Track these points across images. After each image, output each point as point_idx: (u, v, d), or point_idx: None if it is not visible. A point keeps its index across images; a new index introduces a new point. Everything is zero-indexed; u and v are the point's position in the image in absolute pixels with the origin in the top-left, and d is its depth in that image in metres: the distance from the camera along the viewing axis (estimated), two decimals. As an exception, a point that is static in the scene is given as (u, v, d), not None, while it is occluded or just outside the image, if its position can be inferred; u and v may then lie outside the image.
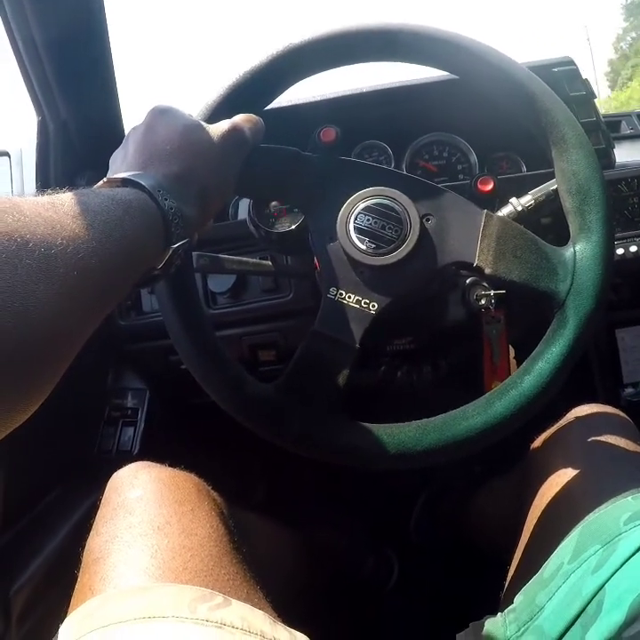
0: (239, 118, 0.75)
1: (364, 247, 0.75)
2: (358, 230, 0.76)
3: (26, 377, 0.43)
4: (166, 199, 0.61)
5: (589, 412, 0.97)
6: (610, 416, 0.97)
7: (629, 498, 0.72)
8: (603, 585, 0.64)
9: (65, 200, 0.51)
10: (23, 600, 0.95)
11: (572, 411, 0.98)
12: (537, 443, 0.99)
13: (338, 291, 0.76)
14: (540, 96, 0.78)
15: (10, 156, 1.25)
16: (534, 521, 0.86)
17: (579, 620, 0.64)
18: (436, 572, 1.47)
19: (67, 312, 0.46)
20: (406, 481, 1.51)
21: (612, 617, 0.61)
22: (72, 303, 0.46)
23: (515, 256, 0.75)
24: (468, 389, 0.83)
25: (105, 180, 0.62)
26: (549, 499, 0.85)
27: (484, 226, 0.76)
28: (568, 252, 0.75)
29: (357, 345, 0.75)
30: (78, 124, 1.18)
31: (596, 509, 0.73)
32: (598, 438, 0.90)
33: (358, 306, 0.75)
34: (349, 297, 0.76)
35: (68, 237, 0.47)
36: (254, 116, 0.77)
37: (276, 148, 0.80)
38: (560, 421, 0.98)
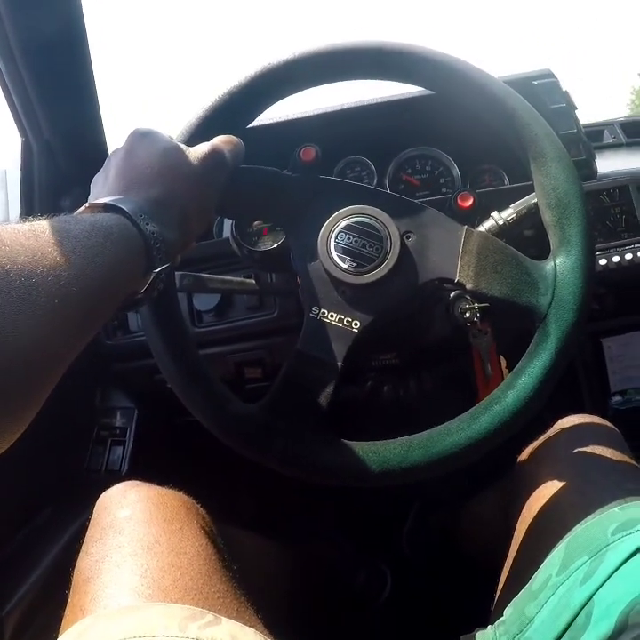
0: (218, 140, 0.75)
1: (345, 266, 0.76)
2: (339, 249, 0.76)
3: (6, 405, 0.43)
4: (148, 224, 0.62)
5: (576, 422, 0.98)
6: (596, 426, 0.97)
7: (616, 508, 0.72)
8: (591, 596, 0.64)
9: (46, 227, 0.51)
10: (16, 620, 0.95)
11: (559, 422, 0.98)
12: (524, 454, 1.00)
13: (320, 310, 0.76)
14: (519, 111, 0.79)
15: (6, 173, 1.25)
16: (522, 533, 0.87)
17: (568, 632, 0.64)
18: (428, 585, 1.46)
19: (48, 340, 0.46)
20: (398, 494, 1.50)
21: (600, 628, 0.61)
22: (53, 331, 0.47)
23: (495, 271, 0.76)
24: (454, 403, 0.83)
25: (86, 205, 0.62)
26: (537, 510, 0.85)
27: (464, 242, 0.77)
28: (548, 265, 0.76)
29: (341, 363, 0.75)
30: (62, 144, 1.19)
31: (584, 520, 0.73)
32: (585, 449, 0.90)
33: (341, 325, 0.76)
34: (332, 316, 0.76)
35: (49, 266, 0.47)
36: (234, 137, 0.77)
37: (256, 169, 0.80)
38: (547, 432, 0.98)
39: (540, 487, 0.87)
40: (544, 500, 0.85)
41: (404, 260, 0.76)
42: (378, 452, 0.74)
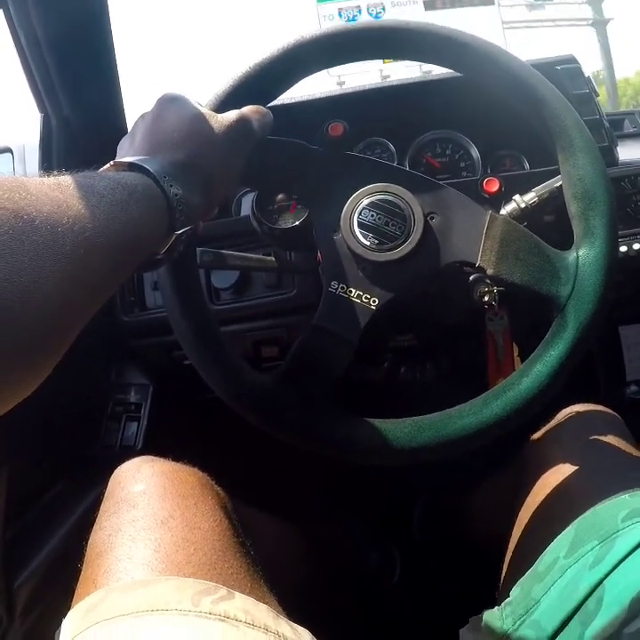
0: (247, 109, 0.75)
1: (367, 242, 0.75)
2: (362, 225, 0.76)
3: (29, 351, 0.43)
4: (171, 185, 0.62)
5: (581, 410, 0.98)
6: (601, 414, 0.98)
7: (627, 496, 0.72)
8: (601, 581, 0.64)
9: (71, 181, 0.51)
10: (27, 593, 0.96)
11: (564, 410, 0.99)
12: (532, 440, 1.00)
13: (339, 285, 0.76)
14: (549, 99, 0.78)
15: (12, 153, 1.25)
16: (530, 515, 0.87)
17: (577, 615, 0.64)
18: (438, 568, 1.47)
19: (71, 289, 0.46)
20: (409, 477, 1.50)
21: (612, 613, 0.61)
22: (77, 281, 0.47)
23: (517, 258, 0.75)
24: (470, 386, 0.83)
25: (111, 163, 0.62)
26: (544, 495, 0.85)
27: (488, 227, 0.77)
28: (571, 256, 0.75)
29: (357, 339, 0.75)
30: (81, 121, 1.19)
31: (593, 505, 0.73)
32: (591, 437, 0.90)
33: (359, 301, 0.76)
34: (351, 291, 0.76)
35: (74, 217, 0.47)
36: (262, 107, 0.77)
37: (283, 141, 0.80)
38: (553, 420, 0.98)
39: (548, 472, 0.87)
40: (551, 485, 0.85)
41: (427, 241, 0.76)
42: (388, 430, 0.74)
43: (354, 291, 0.76)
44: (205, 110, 0.71)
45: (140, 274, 1.16)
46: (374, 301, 0.76)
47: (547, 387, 0.73)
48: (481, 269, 0.76)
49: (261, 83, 0.79)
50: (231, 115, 0.73)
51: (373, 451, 0.74)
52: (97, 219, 0.50)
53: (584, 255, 0.74)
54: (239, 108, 0.75)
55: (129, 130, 0.72)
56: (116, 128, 1.23)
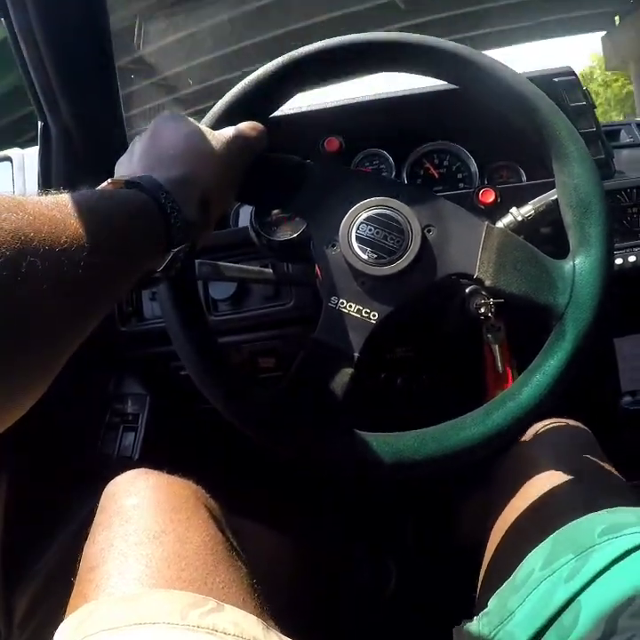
0: (243, 126, 0.76)
1: (365, 257, 0.76)
2: (360, 240, 0.76)
3: (26, 369, 0.43)
4: (169, 202, 0.62)
5: (553, 424, 0.99)
6: (572, 429, 0.99)
7: (604, 511, 0.73)
8: (576, 594, 0.64)
9: (68, 200, 0.51)
10: (26, 605, 0.96)
11: (536, 424, 0.99)
12: (505, 455, 1.00)
13: (339, 300, 0.76)
14: (543, 109, 0.79)
15: (12, 161, 1.26)
16: (506, 527, 0.87)
17: (553, 629, 0.65)
18: (433, 579, 1.47)
19: (70, 308, 0.47)
20: (403, 489, 1.51)
21: (587, 630, 0.61)
22: (75, 299, 0.48)
23: (515, 269, 0.76)
24: (467, 397, 0.83)
25: (109, 181, 0.63)
26: (520, 508, 0.86)
27: (484, 238, 0.77)
28: (567, 265, 0.76)
29: (357, 354, 0.75)
30: (80, 130, 1.19)
31: (570, 519, 0.74)
32: (564, 452, 0.92)
33: (359, 315, 0.76)
34: (350, 306, 0.76)
35: (72, 237, 0.48)
36: (258, 123, 0.78)
37: (279, 157, 0.81)
38: (525, 435, 0.99)
39: (522, 486, 0.89)
40: (527, 499, 0.86)
41: (425, 254, 0.77)
42: (391, 444, 0.74)
43: (353, 305, 0.76)
44: (202, 127, 0.72)
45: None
46: (374, 315, 0.76)
47: (547, 396, 0.73)
48: (479, 281, 0.77)
49: (256, 99, 0.80)
50: (227, 131, 0.74)
51: (377, 466, 0.74)
52: (94, 238, 0.50)
53: (580, 263, 0.75)
54: (235, 124, 0.75)
55: (128, 140, 0.73)
56: (116, 137, 1.23)
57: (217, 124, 0.77)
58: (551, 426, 0.99)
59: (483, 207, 0.89)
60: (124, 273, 0.57)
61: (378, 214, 0.77)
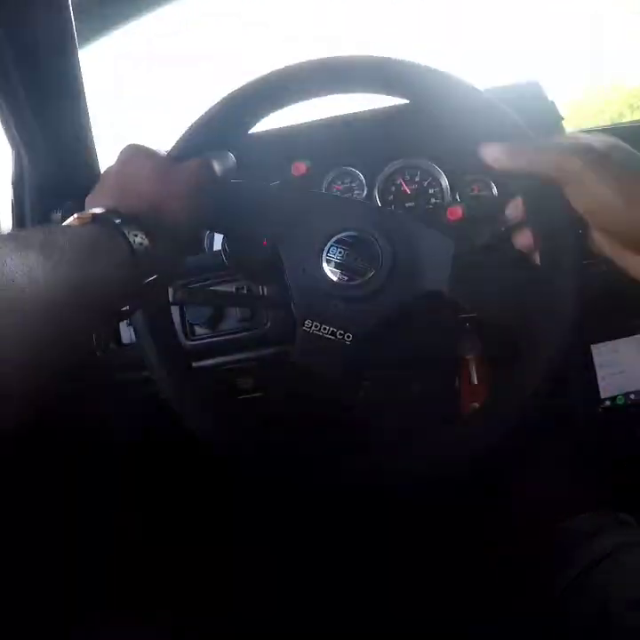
0: (209, 155, 0.76)
1: (336, 279, 0.76)
2: (331, 263, 0.77)
3: None
4: (136, 235, 0.62)
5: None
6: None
7: None
8: None
9: (32, 238, 0.52)
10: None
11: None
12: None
13: (313, 322, 0.77)
14: (505, 126, 0.79)
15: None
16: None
17: None
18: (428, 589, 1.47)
19: (37, 349, 0.47)
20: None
21: None
22: (42, 340, 0.47)
23: (484, 287, 0.77)
24: (441, 412, 0.84)
25: (75, 216, 0.63)
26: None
27: (454, 256, 0.78)
28: (539, 284, 0.76)
29: (339, 375, 0.76)
30: (53, 156, 1.19)
31: None
32: None
33: (333, 337, 0.77)
34: (325, 328, 0.77)
35: (37, 276, 0.48)
36: (224, 151, 0.78)
37: (246, 184, 0.81)
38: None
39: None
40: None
41: (396, 274, 0.77)
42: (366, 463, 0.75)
43: (328, 327, 0.77)
44: (167, 159, 0.73)
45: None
46: (348, 337, 0.77)
47: (514, 413, 0.74)
48: (450, 300, 0.78)
49: (221, 127, 0.80)
50: (193, 162, 0.73)
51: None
52: (60, 275, 0.50)
53: (552, 283, 0.75)
54: (201, 153, 0.76)
55: (100, 164, 0.73)
56: (88, 163, 1.23)
57: (183, 154, 0.77)
58: None
59: (452, 224, 0.90)
60: (94, 309, 0.57)
61: (348, 237, 0.78)
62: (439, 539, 1.36)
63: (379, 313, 0.78)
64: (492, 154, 0.71)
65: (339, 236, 0.78)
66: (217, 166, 0.75)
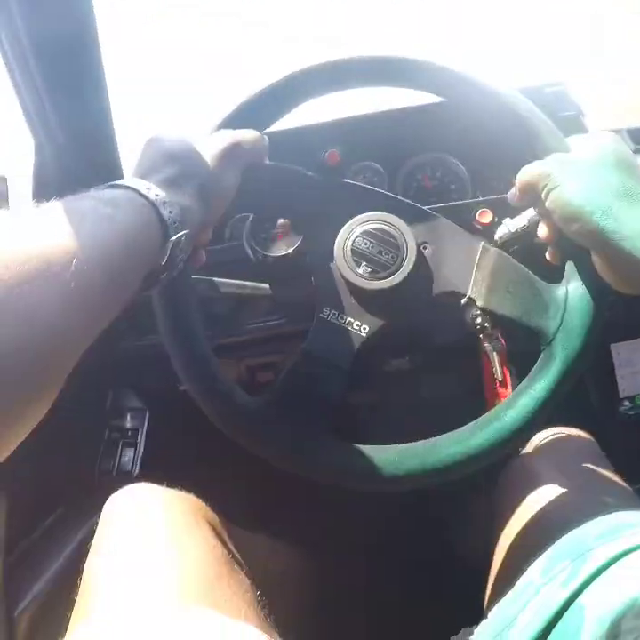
0: (239, 132, 0.76)
1: (360, 271, 0.76)
2: (356, 253, 0.77)
3: (27, 383, 0.43)
4: (158, 194, 0.62)
5: (558, 434, 0.99)
6: (577, 438, 0.99)
7: (601, 517, 0.74)
8: (573, 596, 0.65)
9: (53, 205, 0.52)
10: (28, 620, 0.95)
11: (540, 433, 0.99)
12: (509, 465, 1.00)
13: (331, 311, 0.77)
14: (534, 124, 0.79)
15: (6, 180, 1.26)
16: (509, 541, 0.88)
17: (555, 632, 0.65)
18: (429, 588, 1.47)
19: (68, 312, 0.47)
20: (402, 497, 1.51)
21: (593, 633, 0.61)
22: (72, 302, 0.47)
23: (508, 291, 0.77)
24: (463, 409, 0.83)
25: (93, 189, 0.62)
26: (523, 519, 0.87)
27: (479, 258, 0.78)
28: (560, 290, 0.76)
29: (348, 365, 0.76)
30: (74, 148, 1.19)
31: (569, 529, 0.74)
32: (568, 460, 0.92)
33: (350, 328, 0.77)
34: (342, 318, 0.77)
35: (60, 238, 0.48)
36: (256, 132, 0.78)
37: (280, 167, 0.81)
38: (530, 444, 0.99)
39: (526, 498, 0.89)
40: (529, 510, 0.87)
41: (419, 271, 0.77)
42: (373, 457, 0.74)
43: (345, 317, 0.77)
44: (196, 134, 0.73)
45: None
46: (365, 329, 0.77)
47: (532, 419, 0.74)
48: (471, 301, 0.78)
49: (256, 112, 0.81)
50: (222, 134, 0.74)
51: (357, 476, 0.74)
52: (83, 235, 0.50)
53: (573, 290, 0.75)
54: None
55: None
56: (108, 155, 1.23)
57: (228, 124, 0.78)
58: (555, 436, 0.99)
59: (480, 227, 0.90)
60: (122, 268, 0.56)
61: (375, 229, 0.78)
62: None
63: (398, 308, 0.78)
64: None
65: (366, 227, 0.78)
66: (245, 143, 0.76)
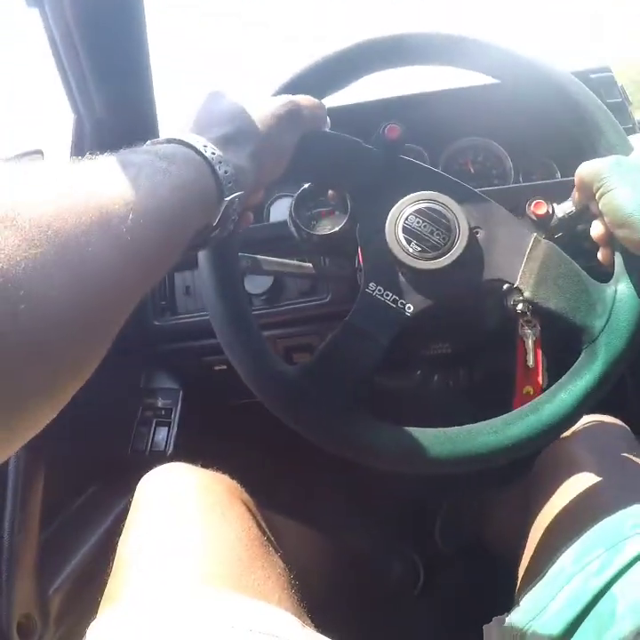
0: (299, 97, 0.75)
1: (410, 249, 0.75)
2: (407, 231, 0.76)
3: (85, 329, 0.42)
4: (214, 153, 0.61)
5: (594, 422, 0.98)
6: (613, 427, 0.98)
7: (637, 505, 0.73)
8: (607, 585, 0.65)
9: (108, 159, 0.50)
10: (61, 599, 0.95)
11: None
12: (545, 453, 1.00)
13: (377, 287, 0.76)
14: (593, 111, 0.78)
15: (43, 155, 1.25)
16: (542, 528, 0.88)
17: (588, 620, 0.65)
18: (460, 577, 1.47)
19: (123, 264, 0.46)
20: (431, 486, 1.50)
21: (626, 621, 0.61)
22: (128, 254, 0.46)
23: (556, 284, 0.76)
24: (500, 395, 0.83)
25: (149, 142, 0.61)
26: (557, 507, 0.86)
27: (530, 248, 0.77)
28: (609, 289, 0.75)
29: (388, 342, 0.75)
30: (113, 123, 1.18)
31: (602, 517, 0.74)
32: (604, 450, 0.91)
33: (394, 305, 0.76)
34: (387, 295, 0.76)
35: (116, 189, 0.47)
36: (316, 99, 0.78)
37: (339, 136, 0.81)
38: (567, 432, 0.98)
39: (561, 486, 0.88)
40: (564, 497, 0.86)
41: (469, 254, 0.76)
42: (409, 438, 0.74)
43: (390, 294, 0.76)
44: (255, 94, 0.72)
45: (172, 276, 1.16)
46: (409, 308, 0.76)
47: (569, 416, 0.73)
48: (518, 290, 0.77)
49: (317, 80, 0.81)
50: (282, 98, 0.73)
51: (391, 456, 0.74)
52: (139, 188, 0.49)
53: (622, 291, 0.74)
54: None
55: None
56: (148, 130, 1.22)
57: (291, 87, 0.78)
58: (591, 424, 0.98)
59: (534, 218, 0.89)
60: (177, 221, 0.55)
61: (428, 208, 0.77)
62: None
63: (444, 291, 0.77)
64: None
65: (420, 205, 0.77)
66: (304, 108, 0.75)
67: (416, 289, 0.76)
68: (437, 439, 0.73)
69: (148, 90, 1.19)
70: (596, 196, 0.70)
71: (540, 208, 0.90)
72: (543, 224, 0.87)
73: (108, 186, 0.47)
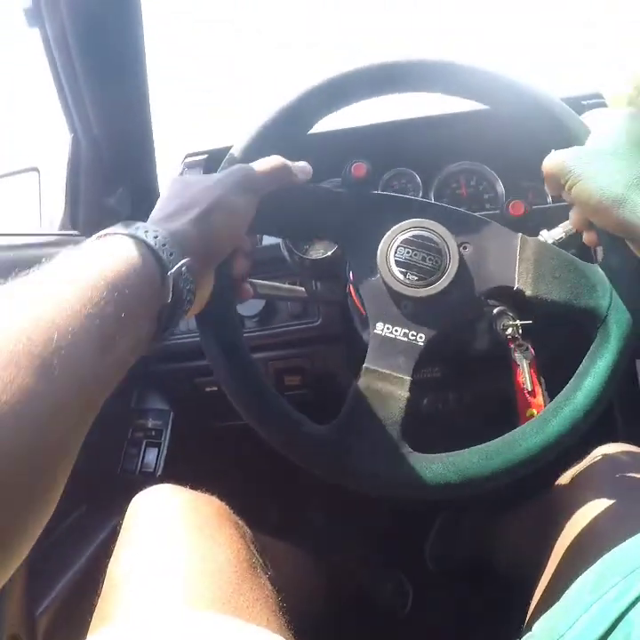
0: (256, 162, 0.75)
1: (406, 280, 0.75)
2: (399, 263, 0.76)
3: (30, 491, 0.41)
4: (146, 231, 0.59)
5: (613, 451, 0.98)
6: (633, 455, 0.98)
7: None
8: (624, 613, 0.64)
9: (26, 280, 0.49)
10: (49, 620, 0.95)
11: (597, 449, 0.99)
12: (563, 478, 1.00)
13: (385, 325, 0.76)
14: (574, 129, 0.79)
15: (39, 172, 1.26)
16: (558, 554, 0.87)
17: None
18: (450, 599, 1.46)
19: (54, 399, 0.43)
20: (421, 506, 1.50)
21: None
22: (56, 385, 0.43)
23: (554, 276, 0.76)
24: (492, 418, 0.83)
25: (109, 232, 0.60)
26: (573, 534, 0.85)
27: (520, 249, 0.77)
28: (604, 268, 0.76)
29: (409, 377, 0.75)
30: (109, 143, 1.19)
31: (620, 544, 0.73)
32: (622, 477, 0.91)
33: (406, 339, 0.76)
34: (396, 330, 0.76)
35: (52, 296, 0.46)
36: (278, 158, 0.76)
37: (307, 188, 0.80)
38: (585, 460, 0.98)
39: (578, 512, 0.88)
40: (580, 525, 0.85)
41: (464, 271, 0.77)
42: (456, 463, 0.73)
43: (400, 329, 0.76)
44: (210, 176, 0.72)
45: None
46: (421, 337, 0.76)
47: (599, 398, 0.73)
48: (519, 292, 0.77)
49: (282, 129, 0.79)
50: (230, 168, 0.73)
51: (445, 487, 0.73)
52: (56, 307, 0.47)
53: (614, 267, 0.75)
54: (265, 153, 0.76)
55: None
56: (143, 151, 1.23)
57: (244, 155, 0.77)
58: (610, 450, 0.98)
59: (513, 219, 0.90)
60: (128, 314, 0.52)
61: (414, 236, 0.77)
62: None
63: (449, 311, 0.77)
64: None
65: (406, 235, 0.77)
66: (263, 171, 0.74)
67: (422, 317, 0.76)
68: (487, 455, 0.73)
69: (145, 111, 1.20)
70: (565, 189, 0.71)
71: (517, 209, 0.91)
72: (524, 222, 0.88)
73: (45, 296, 0.46)
